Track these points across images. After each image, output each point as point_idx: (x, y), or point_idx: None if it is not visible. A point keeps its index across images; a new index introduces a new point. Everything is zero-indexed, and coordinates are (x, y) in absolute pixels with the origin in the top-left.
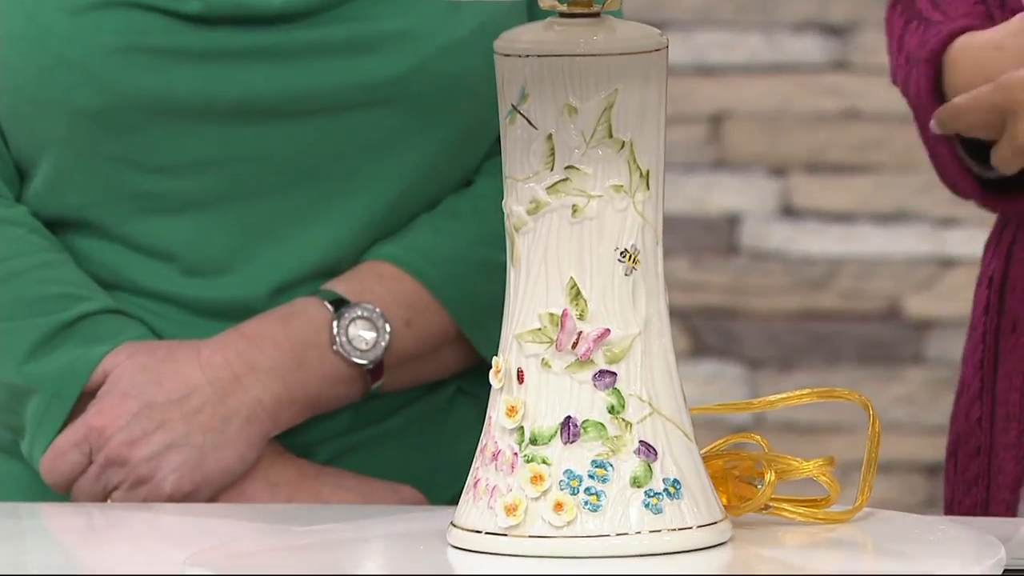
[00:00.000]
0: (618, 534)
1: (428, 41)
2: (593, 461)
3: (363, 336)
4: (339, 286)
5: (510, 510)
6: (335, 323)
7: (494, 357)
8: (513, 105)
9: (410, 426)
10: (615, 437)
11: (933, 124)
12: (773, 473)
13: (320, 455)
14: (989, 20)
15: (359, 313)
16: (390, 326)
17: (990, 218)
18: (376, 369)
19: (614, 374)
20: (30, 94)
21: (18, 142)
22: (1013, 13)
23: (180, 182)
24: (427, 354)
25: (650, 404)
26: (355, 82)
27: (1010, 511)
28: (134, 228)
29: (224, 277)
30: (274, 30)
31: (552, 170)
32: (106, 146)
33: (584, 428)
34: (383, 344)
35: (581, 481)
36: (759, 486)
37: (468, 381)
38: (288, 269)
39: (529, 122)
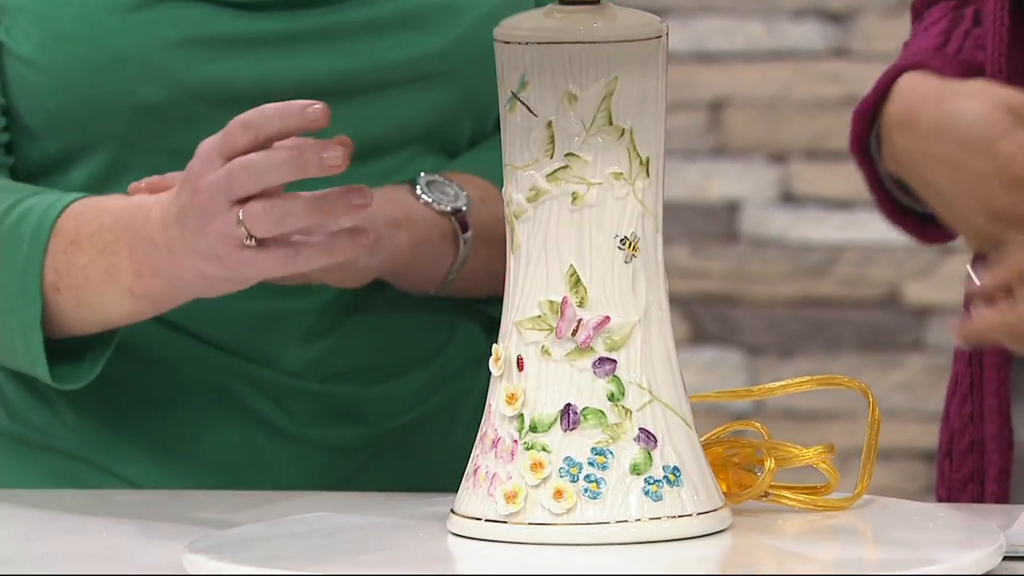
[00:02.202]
0: (618, 521)
1: (469, 12)
2: (593, 448)
3: (446, 191)
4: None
5: (510, 497)
6: (416, 186)
7: (494, 344)
8: (513, 93)
9: (455, 403)
10: (615, 424)
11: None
12: (773, 460)
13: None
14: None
15: (436, 179)
16: (467, 195)
17: None
18: (463, 224)
19: (614, 361)
20: (83, 94)
21: (62, 140)
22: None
23: None
24: (499, 243)
25: (650, 391)
26: (405, 57)
27: (1000, 504)
28: None
29: None
30: (325, 11)
31: (552, 158)
32: (166, 139)
33: (584, 415)
34: (464, 198)
35: (581, 468)
36: (759, 473)
37: None
38: None
39: (529, 110)
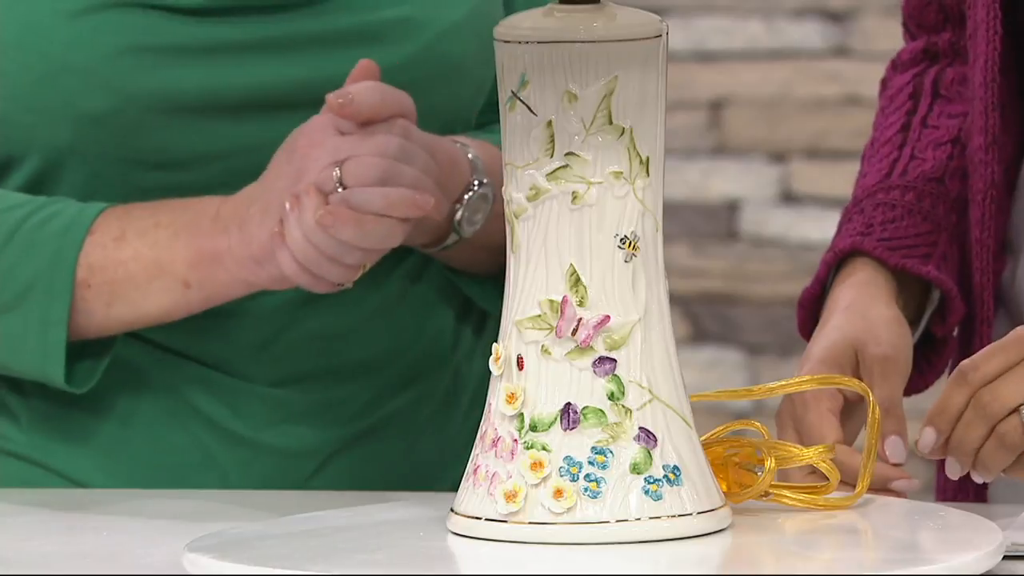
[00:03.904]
0: (618, 521)
1: (428, 27)
2: (593, 448)
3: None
4: None
5: (510, 497)
6: None
7: (494, 344)
8: (513, 92)
9: (418, 406)
10: (615, 424)
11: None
12: (773, 460)
13: (332, 444)
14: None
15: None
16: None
17: None
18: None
19: (614, 361)
20: (28, 103)
21: (11, 146)
22: (933, 132)
23: (183, 176)
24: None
25: (650, 391)
26: None
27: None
28: None
29: None
30: (276, 20)
31: (552, 157)
32: (111, 148)
33: (584, 415)
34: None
35: (581, 468)
36: (759, 473)
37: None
38: None
39: (529, 109)
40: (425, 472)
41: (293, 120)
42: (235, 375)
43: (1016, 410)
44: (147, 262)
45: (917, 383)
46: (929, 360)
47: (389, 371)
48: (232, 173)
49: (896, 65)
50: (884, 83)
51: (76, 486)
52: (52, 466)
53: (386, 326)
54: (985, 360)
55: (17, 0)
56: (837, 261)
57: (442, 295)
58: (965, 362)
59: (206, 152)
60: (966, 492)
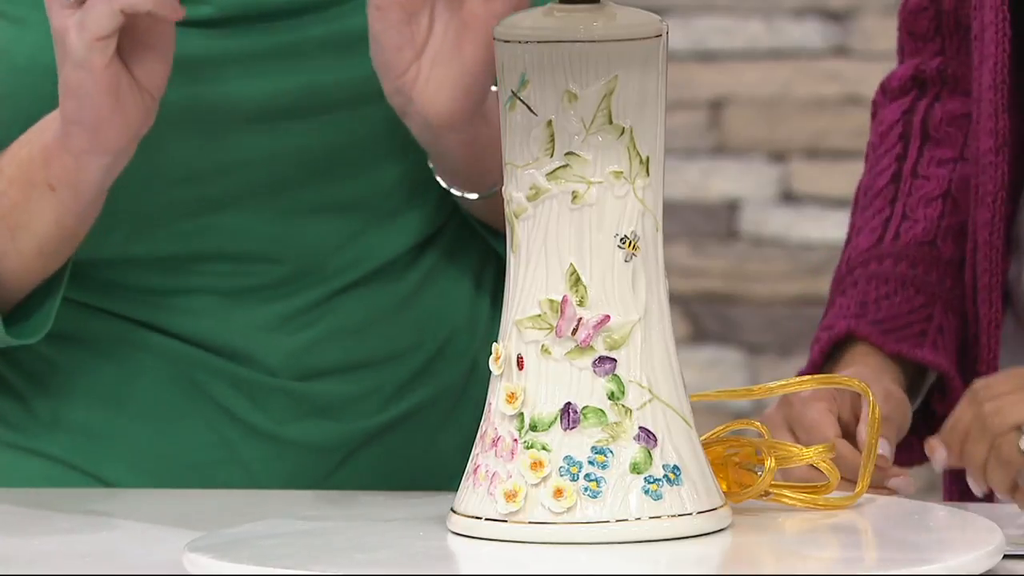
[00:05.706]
0: (618, 520)
1: None
2: (593, 447)
3: None
4: None
5: (510, 496)
6: None
7: (494, 343)
8: (513, 91)
9: (438, 398)
10: (615, 423)
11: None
12: (773, 460)
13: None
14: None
15: None
16: None
17: None
18: None
19: (614, 360)
20: None
21: None
22: (927, 169)
23: (204, 189)
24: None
25: (650, 390)
26: (372, 72)
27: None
28: (154, 232)
29: (248, 266)
30: (286, 28)
31: (552, 156)
32: (129, 164)
33: (584, 414)
34: None
35: (581, 467)
36: (759, 472)
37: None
38: (308, 255)
39: (529, 108)
40: (447, 464)
41: (308, 127)
42: (259, 369)
43: (1017, 427)
44: (20, 183)
45: (920, 456)
46: (932, 431)
47: (410, 364)
48: (252, 183)
49: (886, 91)
50: (875, 108)
51: (104, 485)
52: (80, 466)
53: (407, 319)
54: (998, 380)
55: (28, 23)
56: (832, 344)
57: (461, 286)
58: (978, 381)
59: (224, 163)
60: (972, 493)
